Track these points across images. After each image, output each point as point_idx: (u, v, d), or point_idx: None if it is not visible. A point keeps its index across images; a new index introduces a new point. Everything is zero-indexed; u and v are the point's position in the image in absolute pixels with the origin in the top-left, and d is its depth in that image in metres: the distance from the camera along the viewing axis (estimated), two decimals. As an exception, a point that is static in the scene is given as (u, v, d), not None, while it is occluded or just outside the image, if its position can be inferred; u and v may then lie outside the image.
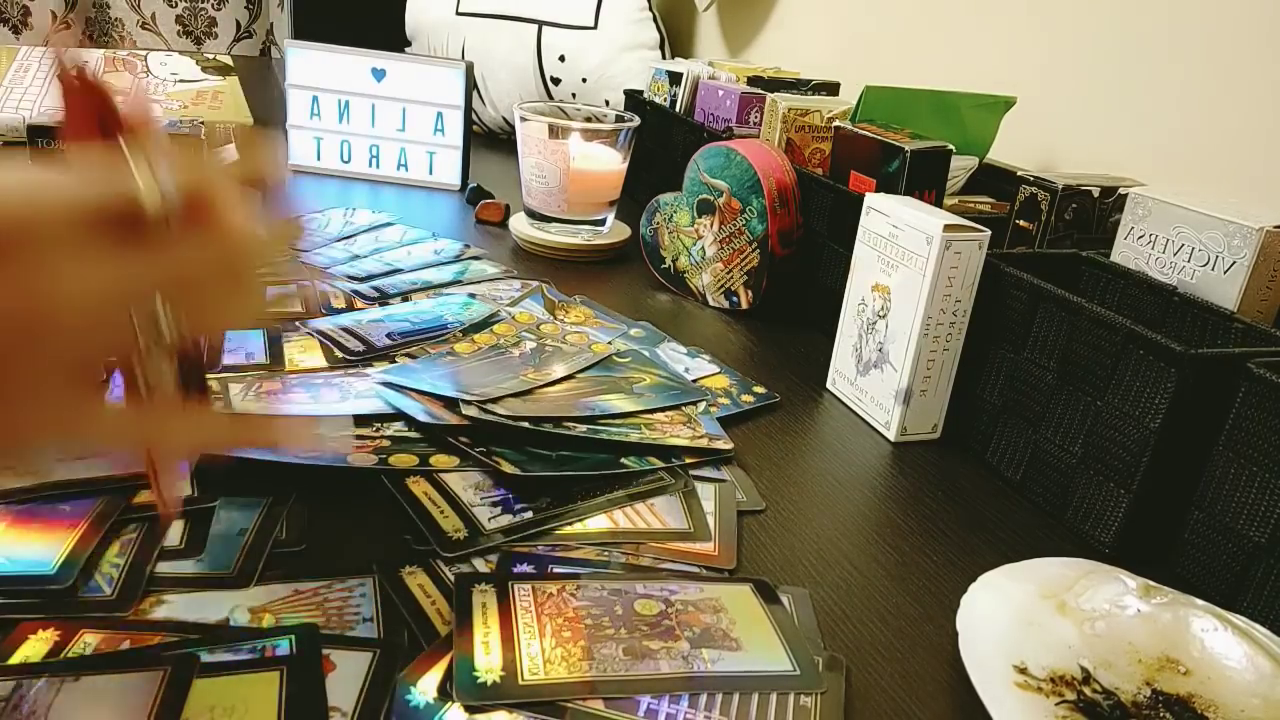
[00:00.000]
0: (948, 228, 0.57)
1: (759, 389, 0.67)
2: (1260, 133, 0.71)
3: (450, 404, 0.55)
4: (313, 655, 0.37)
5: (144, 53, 1.31)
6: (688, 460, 0.55)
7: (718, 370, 0.68)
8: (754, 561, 0.48)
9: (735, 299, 0.81)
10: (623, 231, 0.94)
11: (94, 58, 1.25)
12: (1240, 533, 0.47)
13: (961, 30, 1.01)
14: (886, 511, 0.54)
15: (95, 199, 0.27)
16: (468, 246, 0.88)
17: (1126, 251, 0.62)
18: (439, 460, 0.52)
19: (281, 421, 0.36)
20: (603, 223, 0.92)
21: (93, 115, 0.29)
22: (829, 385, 0.69)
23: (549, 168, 0.87)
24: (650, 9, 1.38)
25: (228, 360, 0.60)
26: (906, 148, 0.70)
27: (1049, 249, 0.68)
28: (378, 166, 1.09)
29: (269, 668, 0.36)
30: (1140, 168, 0.80)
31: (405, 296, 0.75)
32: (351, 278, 0.77)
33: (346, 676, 0.36)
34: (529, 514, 0.48)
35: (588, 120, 0.92)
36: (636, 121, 0.90)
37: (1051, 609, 0.44)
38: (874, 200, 0.63)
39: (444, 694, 0.36)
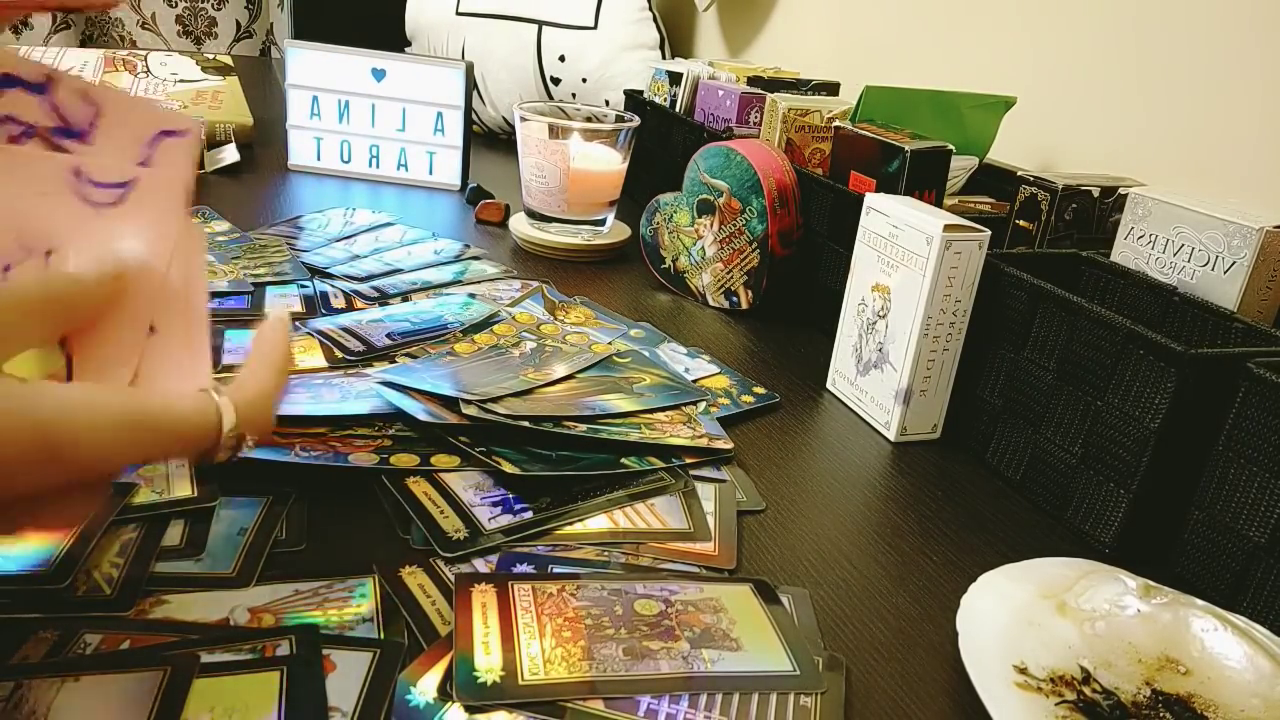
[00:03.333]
0: (948, 228, 0.57)
1: (759, 389, 0.67)
2: (1260, 133, 0.71)
3: (450, 403, 0.55)
4: (313, 655, 0.37)
5: (144, 53, 1.31)
6: (688, 460, 0.55)
7: (718, 370, 0.68)
8: (754, 561, 0.48)
9: (735, 299, 0.81)
10: (623, 231, 0.94)
11: (94, 58, 1.25)
12: (1240, 533, 0.47)
13: (961, 30, 1.01)
14: (886, 511, 0.54)
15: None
16: (468, 246, 0.88)
17: (1126, 251, 0.62)
18: (439, 460, 0.52)
19: None
20: (603, 223, 0.92)
21: None
22: (829, 385, 0.69)
23: (549, 168, 0.87)
24: (650, 9, 1.38)
25: (228, 360, 0.60)
26: (906, 148, 0.70)
27: (1049, 249, 0.68)
28: (378, 166, 1.09)
29: (269, 668, 0.36)
30: (1140, 168, 0.80)
31: (405, 296, 0.75)
32: (351, 278, 0.77)
33: (346, 676, 0.36)
34: (529, 514, 0.48)
35: (588, 120, 0.92)
36: (636, 121, 0.90)
37: (1051, 609, 0.44)
38: (874, 200, 0.63)
39: (444, 694, 0.36)
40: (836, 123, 0.81)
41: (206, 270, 0.39)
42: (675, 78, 1.06)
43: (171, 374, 0.35)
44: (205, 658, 0.36)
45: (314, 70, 1.05)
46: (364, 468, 0.50)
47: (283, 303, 0.71)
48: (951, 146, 0.71)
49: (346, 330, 0.66)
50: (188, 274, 0.36)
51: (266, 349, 0.37)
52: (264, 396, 0.35)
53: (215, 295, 0.70)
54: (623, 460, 0.54)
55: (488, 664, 0.37)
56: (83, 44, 2.00)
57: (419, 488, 0.49)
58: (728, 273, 0.81)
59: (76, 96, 0.34)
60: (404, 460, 0.51)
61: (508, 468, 0.50)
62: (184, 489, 0.46)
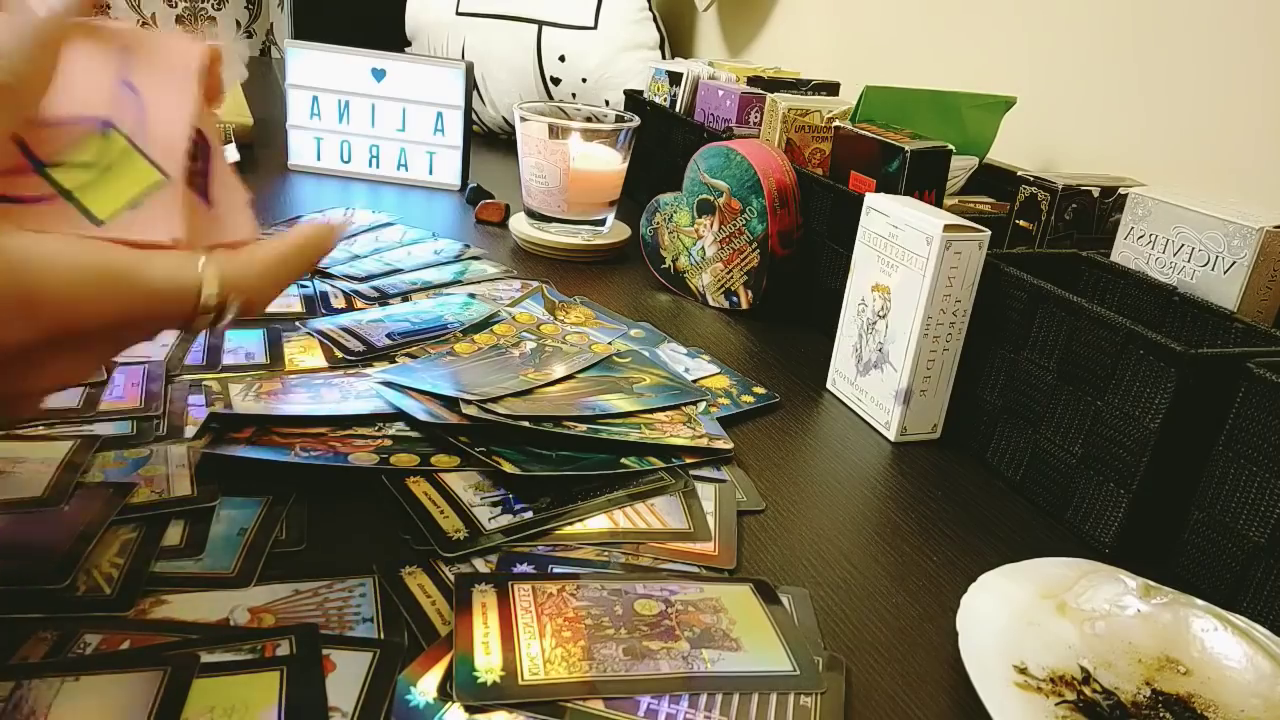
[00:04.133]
0: (948, 228, 0.57)
1: (759, 389, 0.67)
2: (1260, 133, 0.71)
3: (450, 403, 0.55)
4: (313, 655, 0.37)
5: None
6: (688, 460, 0.55)
7: (718, 370, 0.68)
8: (754, 561, 0.48)
9: (735, 299, 0.81)
10: (623, 231, 0.94)
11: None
12: (1240, 533, 0.47)
13: (961, 30, 1.01)
14: (886, 511, 0.54)
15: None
16: (468, 246, 0.88)
17: (1126, 251, 0.62)
18: (439, 460, 0.52)
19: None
20: (603, 223, 0.92)
21: None
22: (829, 385, 0.69)
23: (549, 168, 0.87)
24: (650, 9, 1.38)
25: (227, 360, 0.60)
26: (906, 148, 0.70)
27: (1049, 249, 0.68)
28: (378, 166, 1.09)
29: (269, 668, 0.36)
30: (1140, 168, 0.80)
31: (405, 296, 0.75)
32: (351, 278, 0.77)
33: (346, 676, 0.36)
34: (529, 514, 0.48)
35: (588, 120, 0.92)
36: (636, 121, 0.90)
37: (1051, 609, 0.44)
38: (874, 200, 0.63)
39: (444, 694, 0.36)
40: (836, 123, 0.81)
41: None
42: (675, 78, 1.06)
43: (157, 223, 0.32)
44: (205, 658, 0.36)
45: (314, 70, 1.05)
46: (364, 468, 0.50)
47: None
48: (951, 146, 0.71)
49: (346, 330, 0.66)
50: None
51: (294, 233, 0.34)
52: (258, 266, 0.33)
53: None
54: (623, 460, 0.54)
55: (487, 664, 0.37)
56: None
57: (419, 488, 0.49)
58: (728, 273, 0.81)
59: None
60: (404, 460, 0.51)
61: (508, 468, 0.50)
62: (184, 489, 0.46)
